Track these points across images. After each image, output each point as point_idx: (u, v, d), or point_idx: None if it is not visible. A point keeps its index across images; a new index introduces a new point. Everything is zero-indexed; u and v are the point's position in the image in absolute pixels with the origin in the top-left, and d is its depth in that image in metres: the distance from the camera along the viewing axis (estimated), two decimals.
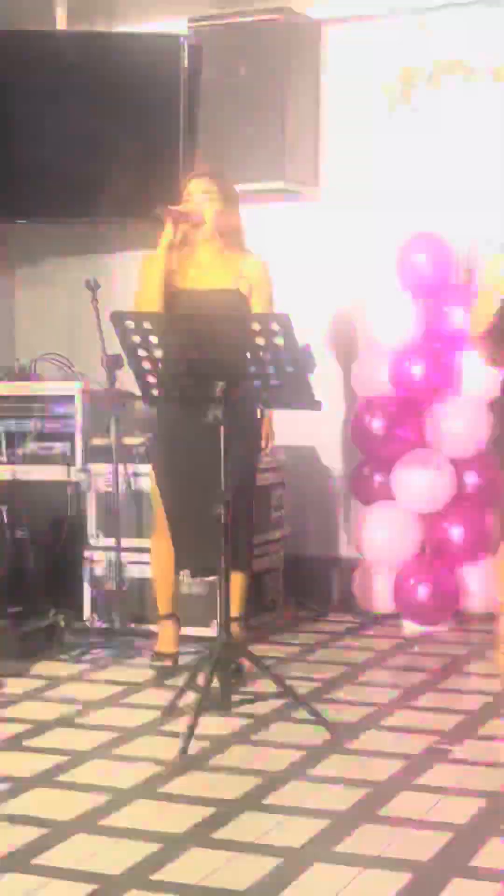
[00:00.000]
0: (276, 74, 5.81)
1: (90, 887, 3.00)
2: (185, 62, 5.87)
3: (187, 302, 4.59)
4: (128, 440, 5.45)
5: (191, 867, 3.12)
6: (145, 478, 5.27)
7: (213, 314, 4.21)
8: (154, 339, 4.05)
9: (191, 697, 4.18)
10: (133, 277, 4.79)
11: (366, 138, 5.94)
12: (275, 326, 3.91)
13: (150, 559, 4.94)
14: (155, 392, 4.19)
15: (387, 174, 5.89)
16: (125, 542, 5.31)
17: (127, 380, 4.69)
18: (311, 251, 6.03)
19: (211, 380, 4.03)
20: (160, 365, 4.09)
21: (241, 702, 4.27)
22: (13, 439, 5.67)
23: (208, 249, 4.71)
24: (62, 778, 3.78)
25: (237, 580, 4.63)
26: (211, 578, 5.06)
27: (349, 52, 5.94)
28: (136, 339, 4.06)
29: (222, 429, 4.07)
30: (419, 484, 5.54)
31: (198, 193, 4.66)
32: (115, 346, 4.36)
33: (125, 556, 5.34)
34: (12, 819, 3.44)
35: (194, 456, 4.50)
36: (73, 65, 5.84)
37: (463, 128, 5.76)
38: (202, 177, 4.71)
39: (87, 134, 5.84)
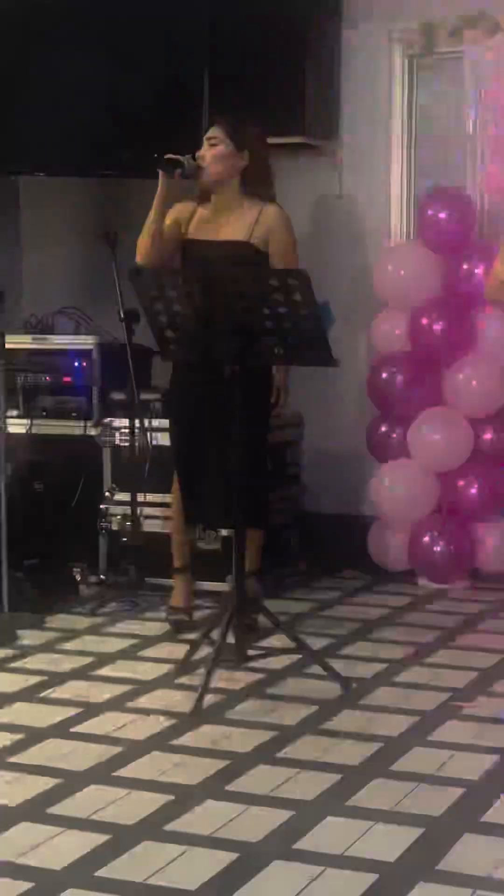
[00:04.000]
0: (295, 27, 5.74)
1: (103, 837, 3.03)
2: (207, 14, 5.81)
3: (197, 252, 4.58)
4: (145, 395, 5.45)
5: (203, 819, 3.15)
6: (163, 433, 5.28)
7: (227, 268, 4.19)
8: (172, 294, 4.03)
9: (205, 651, 4.20)
10: None
11: (386, 92, 5.89)
12: (293, 282, 3.89)
13: (171, 512, 4.95)
14: (172, 347, 4.18)
15: (408, 129, 5.84)
16: (141, 497, 5.32)
17: (145, 334, 4.68)
18: (330, 207, 5.99)
19: (227, 335, 4.01)
20: (177, 319, 4.08)
21: (256, 657, 4.28)
22: (30, 393, 5.67)
23: (225, 198, 4.67)
24: (77, 729, 3.81)
25: (252, 535, 4.63)
26: (226, 533, 5.09)
27: (370, 5, 5.88)
28: (154, 293, 4.05)
29: (237, 384, 4.06)
30: (436, 442, 5.53)
31: (205, 140, 4.65)
32: (133, 301, 4.35)
33: (141, 511, 5.35)
34: (27, 769, 3.47)
35: (207, 411, 4.50)
36: (93, 16, 5.78)
37: (485, 82, 5.69)
38: (212, 124, 4.69)
39: (107, 87, 5.78)
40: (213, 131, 4.65)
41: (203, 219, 4.67)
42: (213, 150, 4.61)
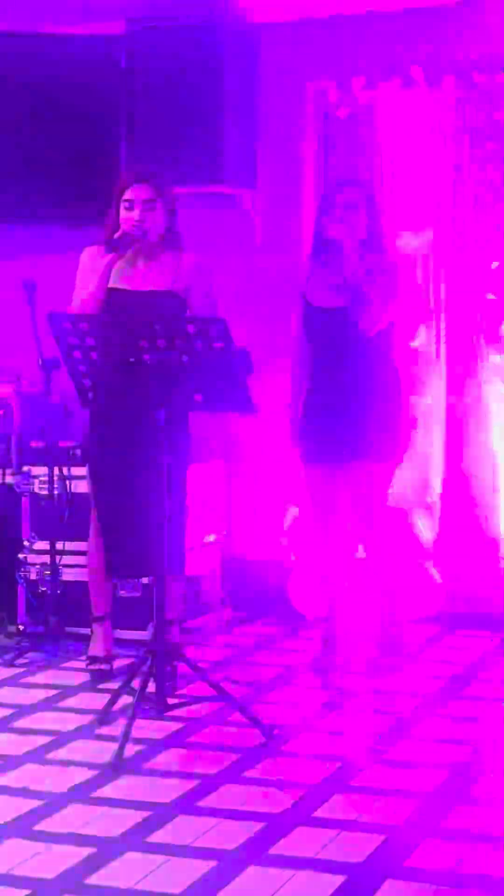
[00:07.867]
0: (213, 76, 5.81)
1: (24, 892, 2.99)
2: (124, 63, 5.85)
3: (122, 302, 4.59)
4: (64, 443, 5.43)
5: (125, 871, 3.12)
6: (83, 481, 5.26)
7: (149, 317, 4.19)
8: (91, 342, 4.03)
9: (126, 701, 4.17)
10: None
11: (303, 142, 5.97)
12: (212, 330, 3.91)
13: (87, 560, 4.92)
14: (91, 395, 4.17)
15: (324, 179, 5.91)
16: (60, 545, 5.28)
17: (65, 382, 4.67)
18: (248, 254, 6.04)
19: (148, 382, 4.02)
20: (97, 367, 4.08)
21: (177, 705, 4.26)
22: None
23: (149, 248, 4.69)
24: None
25: (172, 583, 4.62)
26: (145, 581, 5.07)
27: (287, 56, 5.96)
28: (73, 341, 4.05)
29: (160, 430, 4.06)
30: None
31: (139, 202, 4.62)
32: (52, 349, 4.34)
33: (60, 559, 5.31)
34: None
35: (127, 458, 4.50)
36: (10, 66, 5.80)
37: (400, 132, 5.80)
38: (142, 182, 4.65)
39: (24, 136, 5.80)
40: (146, 192, 4.61)
41: (125, 266, 4.68)
42: (153, 214, 4.61)
